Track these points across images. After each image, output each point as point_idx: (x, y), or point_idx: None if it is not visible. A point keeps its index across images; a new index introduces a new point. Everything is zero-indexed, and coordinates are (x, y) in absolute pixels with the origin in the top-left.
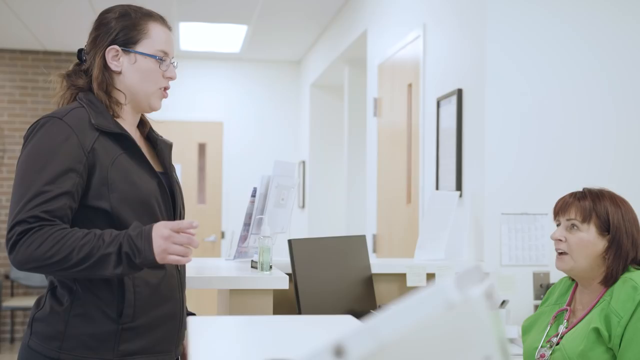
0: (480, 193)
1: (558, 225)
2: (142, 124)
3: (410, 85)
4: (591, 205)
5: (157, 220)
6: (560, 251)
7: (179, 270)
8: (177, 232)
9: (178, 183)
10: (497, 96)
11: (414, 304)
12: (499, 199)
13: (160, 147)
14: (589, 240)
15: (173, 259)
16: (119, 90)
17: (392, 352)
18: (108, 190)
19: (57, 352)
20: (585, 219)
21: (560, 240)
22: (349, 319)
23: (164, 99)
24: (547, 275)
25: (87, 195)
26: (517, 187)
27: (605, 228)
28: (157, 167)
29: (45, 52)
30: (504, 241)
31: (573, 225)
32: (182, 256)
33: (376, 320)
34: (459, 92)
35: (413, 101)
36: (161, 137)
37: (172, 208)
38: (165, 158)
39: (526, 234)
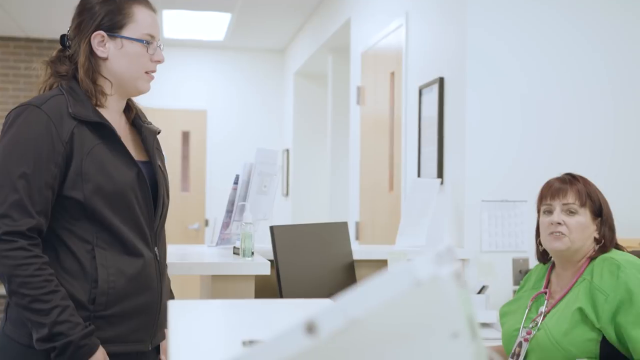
0: (461, 180)
1: (548, 208)
2: (129, 109)
3: (392, 74)
4: (584, 189)
5: (133, 212)
6: (557, 233)
7: (158, 259)
8: None
9: (164, 172)
10: (478, 84)
11: (383, 281)
12: (479, 186)
13: (145, 135)
14: (585, 224)
15: None
16: (105, 77)
17: (362, 328)
18: (82, 181)
19: (29, 339)
20: (583, 204)
21: (560, 223)
22: (328, 302)
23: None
24: (526, 261)
25: (63, 185)
26: (498, 174)
27: (597, 212)
28: (140, 156)
29: (27, 39)
30: (484, 228)
31: (571, 209)
32: None
33: (346, 297)
34: (441, 81)
35: (395, 89)
36: (149, 123)
37: (154, 199)
38: (149, 146)
39: (506, 220)
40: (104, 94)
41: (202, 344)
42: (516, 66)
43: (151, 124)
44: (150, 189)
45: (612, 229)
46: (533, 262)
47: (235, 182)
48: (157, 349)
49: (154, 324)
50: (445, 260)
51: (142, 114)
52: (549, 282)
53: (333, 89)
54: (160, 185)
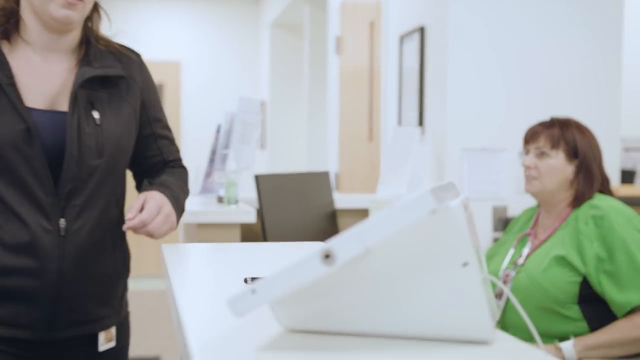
0: (441, 129)
1: (527, 153)
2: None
3: (372, 23)
4: (559, 132)
5: (18, 176)
6: (529, 176)
7: (62, 233)
8: None
9: (96, 126)
10: (461, 33)
11: (399, 210)
12: (460, 135)
13: (76, 78)
14: (557, 166)
15: None
16: (24, 6)
17: (377, 257)
18: None
19: None
20: (554, 146)
21: (530, 167)
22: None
23: (71, 12)
24: (505, 209)
25: None
26: (478, 123)
27: (573, 154)
28: (65, 106)
29: None
30: (465, 176)
31: (542, 152)
32: None
33: (362, 226)
34: (422, 30)
35: (375, 39)
36: (106, 66)
37: (59, 159)
38: (71, 93)
39: (486, 169)
40: (24, 25)
41: (205, 283)
42: (499, 14)
43: (114, 66)
44: (52, 147)
45: (591, 173)
46: (512, 210)
47: (218, 132)
48: (88, 340)
49: (46, 311)
50: (451, 194)
51: (109, 55)
52: (535, 224)
53: (310, 40)
54: (69, 144)
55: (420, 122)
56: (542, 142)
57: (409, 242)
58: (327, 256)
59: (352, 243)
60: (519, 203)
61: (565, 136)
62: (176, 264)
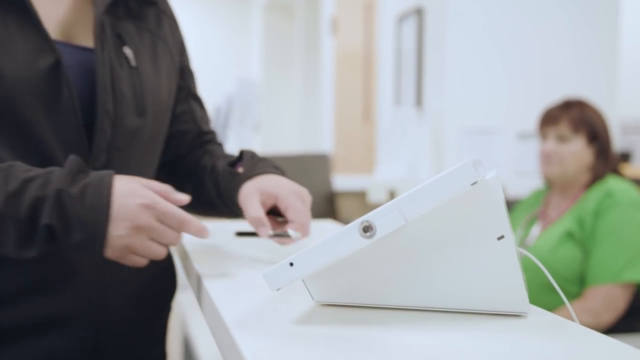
0: (440, 110)
1: (545, 137)
2: None
3: (368, 4)
4: (579, 115)
5: (35, 137)
6: (548, 161)
7: None
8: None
9: (136, 72)
10: (459, 14)
11: (439, 182)
12: (458, 115)
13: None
14: (578, 152)
15: (136, 260)
16: None
17: (415, 229)
18: None
19: None
20: (576, 130)
21: (550, 154)
22: (331, 222)
23: None
24: (503, 189)
25: None
26: (477, 104)
27: (592, 137)
28: (84, 40)
29: None
30: (463, 157)
31: (563, 137)
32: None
33: (402, 198)
34: (419, 11)
35: (371, 20)
36: None
37: (91, 114)
38: (103, 21)
39: (484, 149)
40: None
41: (221, 261)
42: None
43: None
44: (84, 96)
45: (607, 155)
46: (511, 190)
47: (216, 113)
48: None
49: (88, 344)
50: (482, 168)
51: None
52: (546, 205)
53: (304, 20)
54: (102, 94)
55: (419, 101)
56: (564, 126)
57: (447, 214)
58: (366, 228)
59: (391, 215)
60: (517, 183)
61: (585, 119)
62: (191, 243)
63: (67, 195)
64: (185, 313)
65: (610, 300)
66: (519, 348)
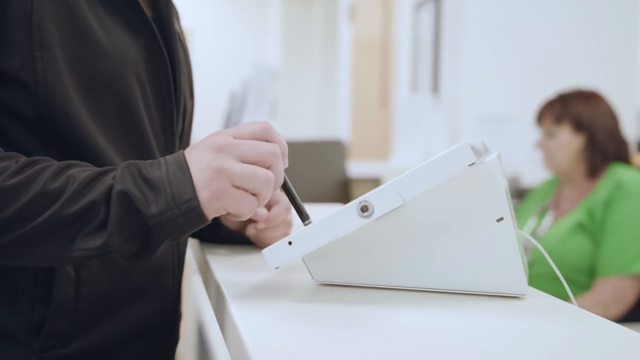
0: (456, 97)
1: (540, 133)
2: None
3: None
4: (561, 108)
5: (137, 121)
6: (544, 156)
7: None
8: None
9: (184, 46)
10: (477, 1)
11: (437, 162)
12: (474, 103)
13: None
14: (564, 143)
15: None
16: None
17: (413, 209)
18: (31, 42)
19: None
20: (558, 122)
21: (540, 147)
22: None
23: None
24: (517, 179)
25: None
26: (493, 92)
27: (578, 126)
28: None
29: None
30: None
31: (549, 132)
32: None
33: (400, 178)
34: None
35: (389, 7)
36: None
37: (173, 99)
38: None
39: (500, 137)
40: None
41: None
42: None
43: None
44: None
45: (601, 141)
46: (525, 179)
47: (232, 99)
48: None
49: (167, 346)
50: (484, 151)
51: None
52: (558, 196)
53: (322, 7)
54: (179, 69)
55: (435, 88)
56: (547, 122)
57: (445, 195)
58: (364, 208)
59: (389, 195)
60: (531, 172)
61: (567, 110)
62: None
63: (138, 166)
64: (197, 296)
65: (619, 292)
66: (516, 328)
